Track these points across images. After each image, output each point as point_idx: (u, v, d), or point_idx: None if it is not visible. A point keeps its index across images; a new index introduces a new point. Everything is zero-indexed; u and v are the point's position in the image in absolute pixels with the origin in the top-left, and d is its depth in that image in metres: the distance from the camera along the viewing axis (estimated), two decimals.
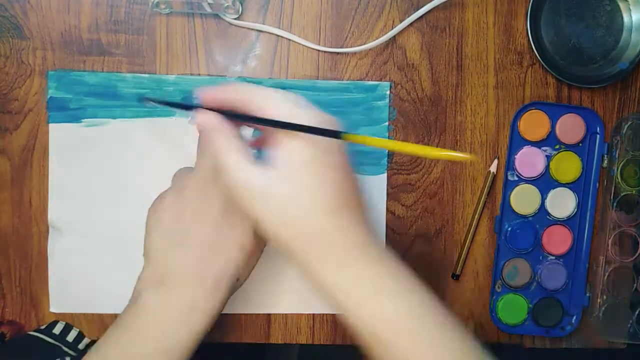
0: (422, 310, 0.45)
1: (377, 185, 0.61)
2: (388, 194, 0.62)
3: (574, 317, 0.64)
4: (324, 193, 0.44)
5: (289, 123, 0.43)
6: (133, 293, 0.50)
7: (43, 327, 0.60)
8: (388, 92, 0.61)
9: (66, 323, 0.60)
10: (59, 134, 0.59)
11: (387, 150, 0.61)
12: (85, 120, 0.59)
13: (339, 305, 0.45)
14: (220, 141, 0.45)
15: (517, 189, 0.62)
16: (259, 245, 0.52)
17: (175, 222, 0.50)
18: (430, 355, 0.44)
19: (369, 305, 0.44)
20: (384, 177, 0.61)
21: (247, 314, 0.61)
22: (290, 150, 0.43)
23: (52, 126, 0.59)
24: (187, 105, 0.52)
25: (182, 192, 0.50)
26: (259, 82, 0.60)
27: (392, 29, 0.60)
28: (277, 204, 0.44)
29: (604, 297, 0.62)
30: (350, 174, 0.46)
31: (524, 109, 0.61)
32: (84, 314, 0.60)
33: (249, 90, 0.45)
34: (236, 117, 0.46)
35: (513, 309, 0.63)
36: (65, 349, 0.59)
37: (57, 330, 0.59)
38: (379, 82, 0.61)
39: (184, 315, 0.48)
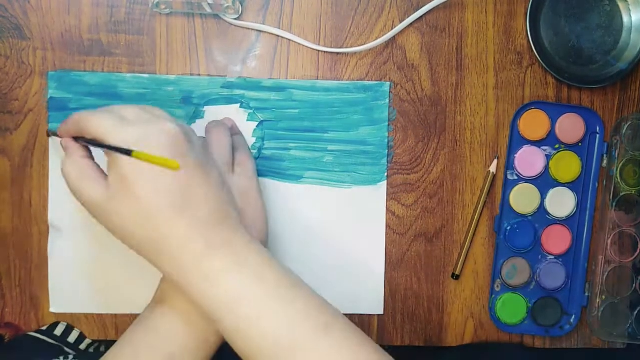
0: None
1: (377, 185, 0.61)
2: (388, 194, 0.62)
3: (573, 317, 0.64)
4: (149, 201, 0.44)
5: (94, 142, 0.45)
6: (157, 291, 0.52)
7: (44, 328, 0.60)
8: (388, 92, 0.61)
9: (67, 324, 0.60)
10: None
11: (387, 151, 0.61)
12: None
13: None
14: (67, 167, 0.48)
15: (516, 188, 0.62)
16: None
17: None
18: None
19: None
20: (383, 177, 0.61)
21: None
22: (115, 165, 0.45)
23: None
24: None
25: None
26: (258, 82, 0.60)
27: (392, 29, 0.60)
28: (116, 219, 0.46)
29: (603, 297, 0.63)
30: (190, 172, 0.46)
31: (524, 108, 0.62)
32: (84, 314, 0.60)
33: (82, 119, 0.47)
34: (86, 142, 0.48)
35: (512, 308, 0.63)
36: (67, 349, 0.59)
37: (58, 331, 0.59)
38: (379, 82, 0.61)
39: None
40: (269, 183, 0.61)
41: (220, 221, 0.46)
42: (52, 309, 0.60)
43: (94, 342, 0.61)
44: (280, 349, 0.44)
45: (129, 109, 0.47)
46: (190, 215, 0.45)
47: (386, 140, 0.61)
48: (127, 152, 0.42)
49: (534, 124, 0.62)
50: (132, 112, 0.47)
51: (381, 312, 0.62)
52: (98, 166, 0.48)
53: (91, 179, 0.46)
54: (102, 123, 0.45)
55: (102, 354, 0.61)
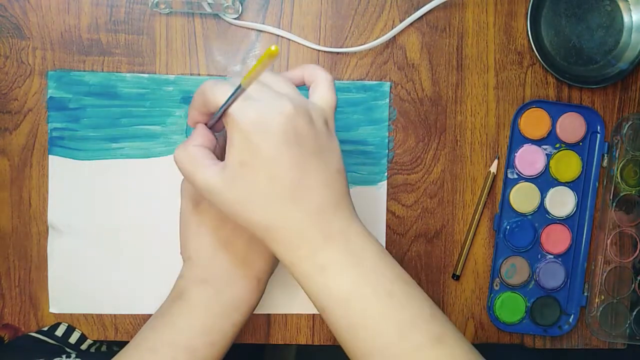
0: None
1: (377, 185, 0.61)
2: (388, 194, 0.62)
3: (572, 317, 0.64)
4: (264, 189, 0.43)
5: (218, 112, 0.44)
6: (174, 289, 0.52)
7: (45, 328, 0.60)
8: (388, 92, 0.61)
9: (68, 325, 0.60)
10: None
11: (387, 151, 0.61)
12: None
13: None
14: (179, 154, 0.46)
15: (516, 187, 0.62)
16: None
17: (217, 227, 0.51)
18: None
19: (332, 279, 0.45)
20: (384, 177, 0.61)
21: None
22: (232, 149, 0.43)
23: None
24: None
25: None
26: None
27: (392, 28, 0.60)
28: (231, 204, 0.44)
29: (602, 297, 0.63)
30: (292, 157, 0.43)
31: (524, 107, 0.62)
32: (84, 315, 0.60)
33: (207, 90, 0.45)
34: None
35: (511, 307, 0.63)
36: (68, 350, 0.59)
37: (59, 332, 0.59)
38: (379, 82, 0.61)
39: (229, 311, 0.50)
40: None
41: (334, 211, 0.45)
42: (52, 310, 0.60)
43: (94, 342, 0.61)
44: (389, 354, 0.44)
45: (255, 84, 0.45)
46: (305, 205, 0.44)
47: (386, 140, 0.61)
48: (240, 89, 0.41)
49: (535, 122, 0.62)
50: (255, 87, 0.44)
51: None
52: (211, 153, 0.46)
53: (203, 165, 0.45)
54: (226, 96, 0.43)
55: (104, 353, 0.61)
